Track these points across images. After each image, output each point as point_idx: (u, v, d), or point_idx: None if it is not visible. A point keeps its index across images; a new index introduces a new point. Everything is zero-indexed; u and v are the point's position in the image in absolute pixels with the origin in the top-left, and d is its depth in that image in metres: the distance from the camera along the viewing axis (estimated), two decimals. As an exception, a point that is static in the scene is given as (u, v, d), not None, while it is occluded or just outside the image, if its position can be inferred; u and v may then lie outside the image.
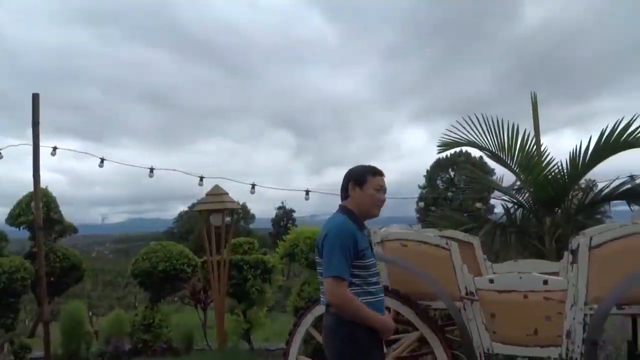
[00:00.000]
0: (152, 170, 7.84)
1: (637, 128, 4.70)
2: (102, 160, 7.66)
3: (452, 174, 40.24)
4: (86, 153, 8.64)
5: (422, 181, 40.95)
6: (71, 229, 8.02)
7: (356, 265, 2.50)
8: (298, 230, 6.22)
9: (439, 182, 41.13)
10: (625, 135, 4.75)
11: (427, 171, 40.22)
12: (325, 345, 2.61)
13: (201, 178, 7.63)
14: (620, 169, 6.18)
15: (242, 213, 45.44)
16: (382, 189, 2.70)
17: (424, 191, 36.83)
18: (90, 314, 9.71)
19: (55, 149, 7.29)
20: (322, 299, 2.62)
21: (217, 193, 6.35)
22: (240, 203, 9.25)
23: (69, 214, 8.11)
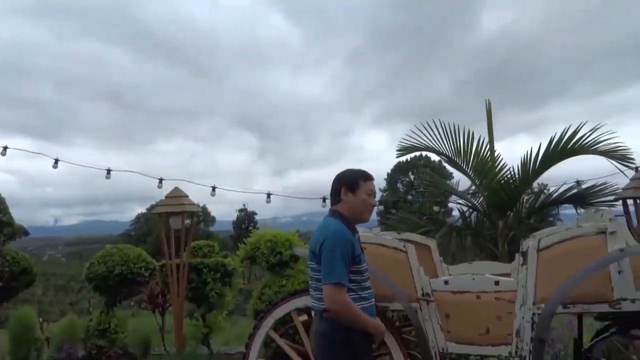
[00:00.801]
0: (109, 171, 7.65)
1: (583, 136, 4.96)
2: (57, 161, 7.41)
3: (412, 177, 41.00)
4: (39, 153, 8.34)
5: (383, 184, 41.54)
6: (21, 232, 7.68)
7: (352, 271, 2.52)
8: (259, 233, 6.20)
9: (399, 185, 41.81)
10: (572, 143, 4.99)
11: (388, 174, 40.82)
12: (318, 350, 2.61)
13: (160, 180, 7.51)
14: (571, 174, 6.50)
15: (203, 215, 44.79)
16: (373, 193, 2.73)
17: (384, 194, 37.36)
18: (41, 319, 9.35)
19: (5, 148, 7.00)
20: (315, 304, 2.63)
21: (176, 195, 6.27)
22: (201, 205, 9.13)
23: (19, 215, 7.79)
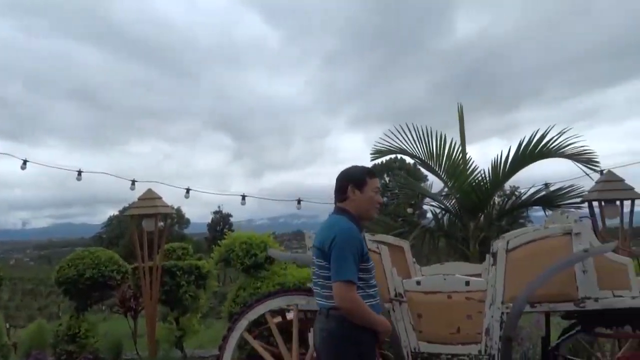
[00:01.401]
0: (80, 173, 7.50)
1: (550, 139, 5.11)
2: (25, 161, 7.23)
3: (387, 179, 41.34)
4: (6, 154, 8.12)
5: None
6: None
7: (361, 269, 2.52)
8: (234, 235, 6.17)
9: (374, 187, 42.00)
10: (540, 146, 5.14)
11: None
12: (324, 348, 2.58)
13: (133, 182, 7.40)
14: (542, 176, 6.67)
15: (177, 217, 44.24)
16: (379, 190, 2.72)
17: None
18: (8, 325, 9.10)
19: (-29, 148, 6.79)
20: (321, 302, 2.59)
21: (149, 197, 6.20)
22: (175, 207, 9.04)
23: (-16, 219, 7.58)
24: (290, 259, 4.97)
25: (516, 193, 6.66)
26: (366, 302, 2.51)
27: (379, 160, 5.94)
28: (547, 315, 4.27)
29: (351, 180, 2.67)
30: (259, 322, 3.89)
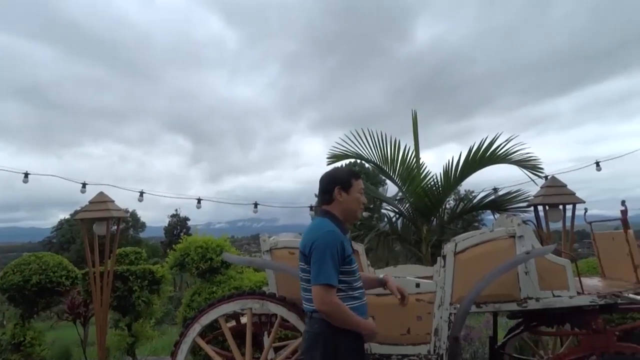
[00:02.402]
0: (27, 175, 7.21)
1: (498, 146, 5.32)
2: (-34, 162, 6.89)
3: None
4: (-54, 154, 7.70)
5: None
6: None
7: (343, 271, 2.52)
8: (189, 239, 6.09)
9: (334, 191, 42.24)
10: (489, 153, 5.34)
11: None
12: (306, 350, 2.58)
13: (84, 184, 7.17)
14: (497, 181, 6.90)
15: (132, 221, 43.02)
16: (363, 191, 2.75)
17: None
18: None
19: None
20: (305, 306, 2.61)
21: (101, 200, 6.03)
22: (130, 210, 8.82)
23: None
24: (245, 262, 4.96)
25: (470, 197, 6.89)
26: (349, 304, 2.52)
27: (340, 164, 6.00)
28: (495, 315, 4.45)
29: (337, 183, 2.69)
30: (215, 327, 3.86)
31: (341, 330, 2.49)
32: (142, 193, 7.43)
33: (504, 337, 4.56)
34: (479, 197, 6.07)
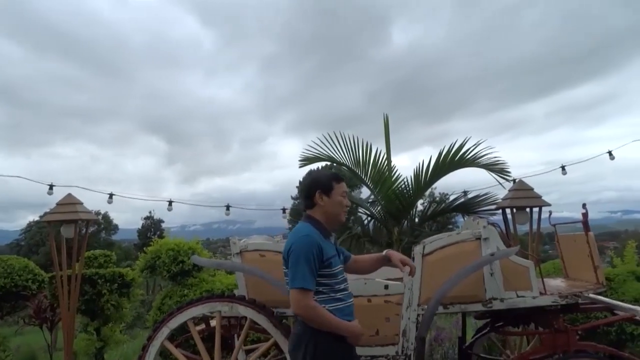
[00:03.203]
0: (-8, 175, 7.03)
1: (467, 150, 5.43)
2: None
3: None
4: None
5: (295, 192, 41.81)
6: None
7: (322, 274, 2.52)
8: (161, 242, 6.03)
9: (310, 193, 42.28)
10: (458, 156, 5.44)
11: (300, 182, 41.12)
12: (290, 351, 2.60)
13: (51, 186, 7.01)
14: (471, 184, 7.01)
15: (104, 223, 42.17)
16: (346, 194, 2.74)
17: (296, 202, 37.67)
18: None
19: None
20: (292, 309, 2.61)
21: (69, 202, 5.91)
22: (102, 212, 8.66)
23: None
24: (215, 265, 4.92)
25: (443, 200, 7.01)
26: (332, 306, 2.53)
27: (315, 167, 6.03)
28: (464, 316, 4.54)
29: (318, 187, 2.69)
30: (186, 330, 3.83)
31: (322, 332, 2.50)
32: (111, 195, 7.30)
33: (472, 338, 4.65)
34: (449, 200, 6.18)
